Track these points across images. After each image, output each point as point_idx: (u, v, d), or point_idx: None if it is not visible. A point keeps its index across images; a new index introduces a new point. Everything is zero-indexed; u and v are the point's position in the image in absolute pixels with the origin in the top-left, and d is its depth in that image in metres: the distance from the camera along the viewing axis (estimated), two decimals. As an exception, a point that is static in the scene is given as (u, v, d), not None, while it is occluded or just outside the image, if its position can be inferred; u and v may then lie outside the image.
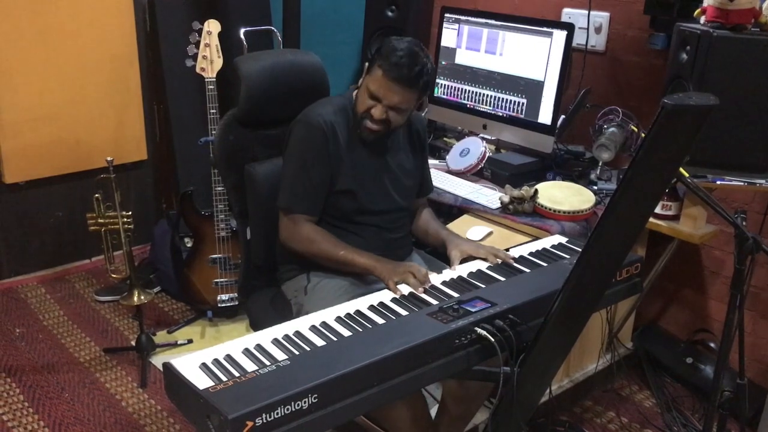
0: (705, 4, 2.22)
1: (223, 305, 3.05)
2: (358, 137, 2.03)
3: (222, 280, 3.02)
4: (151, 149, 3.67)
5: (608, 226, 1.41)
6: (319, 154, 1.98)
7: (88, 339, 3.01)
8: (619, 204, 1.38)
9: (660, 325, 2.98)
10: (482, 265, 1.93)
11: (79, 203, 3.41)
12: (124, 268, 2.83)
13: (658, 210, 2.38)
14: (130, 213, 2.75)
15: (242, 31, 3.10)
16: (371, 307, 1.71)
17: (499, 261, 1.94)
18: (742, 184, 2.25)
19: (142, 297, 2.75)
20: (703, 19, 2.23)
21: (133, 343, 2.89)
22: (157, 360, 2.85)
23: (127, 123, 3.53)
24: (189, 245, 3.17)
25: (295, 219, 2.01)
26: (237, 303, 3.05)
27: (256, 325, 2.14)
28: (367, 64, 2.01)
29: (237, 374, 1.41)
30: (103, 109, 3.43)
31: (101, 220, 2.74)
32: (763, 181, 2.26)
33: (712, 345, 2.77)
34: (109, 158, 2.66)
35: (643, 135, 2.24)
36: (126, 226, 2.73)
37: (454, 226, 2.45)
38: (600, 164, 2.65)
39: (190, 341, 2.99)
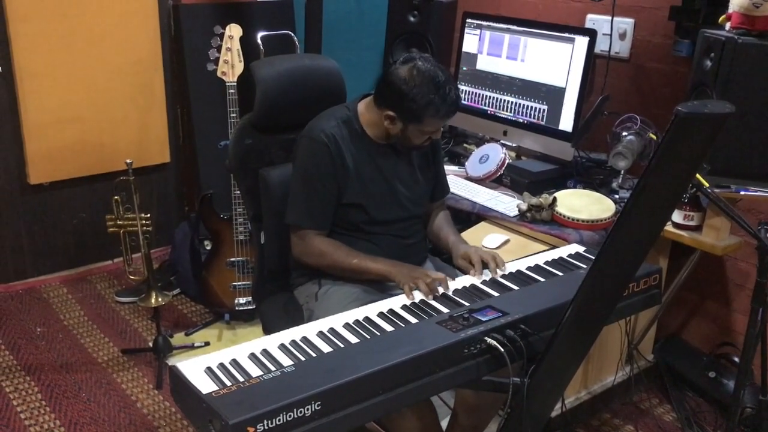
0: (730, 10, 2.17)
1: (241, 308, 3.06)
2: (363, 149, 2.01)
3: (240, 283, 3.03)
4: (175, 152, 3.70)
5: (621, 235, 1.38)
6: (323, 169, 1.97)
7: (106, 339, 3.03)
8: (632, 213, 1.34)
9: (682, 338, 2.92)
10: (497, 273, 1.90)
11: (102, 205, 3.44)
12: (142, 270, 2.85)
13: (680, 220, 2.33)
14: (149, 215, 2.77)
15: (259, 35, 3.10)
16: (380, 314, 1.69)
17: (481, 276, 1.87)
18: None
19: (160, 299, 2.76)
20: (728, 26, 2.18)
21: (151, 344, 2.91)
22: (174, 362, 2.85)
23: (150, 126, 3.56)
24: (208, 248, 3.18)
25: (304, 235, 2.01)
26: (254, 306, 3.05)
27: (269, 330, 2.13)
28: (393, 113, 1.94)
29: (241, 379, 1.41)
30: (128, 112, 3.47)
31: (120, 222, 2.77)
32: (789, 192, 2.20)
33: (736, 359, 2.70)
34: (128, 160, 2.68)
35: (662, 143, 2.19)
36: (144, 228, 2.75)
37: (471, 233, 2.42)
38: (622, 173, 2.60)
39: (207, 344, 3.00)
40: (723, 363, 2.73)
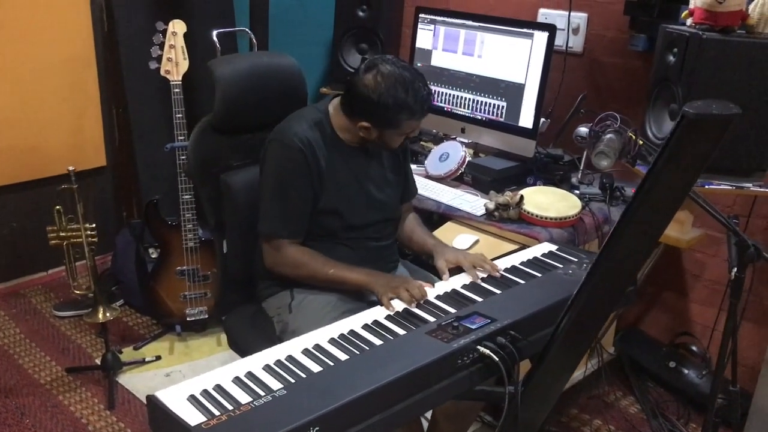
0: (692, 5, 2.18)
1: (193, 319, 2.91)
2: (336, 152, 1.93)
3: (191, 292, 2.89)
4: (111, 155, 3.50)
5: (621, 240, 1.34)
6: (298, 175, 1.87)
7: (48, 358, 2.83)
8: (635, 217, 1.31)
9: (641, 329, 2.95)
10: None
11: (35, 213, 3.23)
12: (87, 283, 2.67)
13: (644, 215, 2.34)
14: (94, 225, 2.58)
15: (215, 33, 2.97)
16: (366, 327, 1.61)
17: (481, 275, 1.82)
18: (731, 188, 2.23)
19: (108, 314, 2.59)
20: (689, 21, 2.20)
21: (98, 361, 2.73)
22: (125, 379, 2.70)
23: (84, 128, 3.36)
24: (154, 256, 3.02)
25: (278, 245, 1.90)
26: (207, 316, 2.92)
27: (237, 345, 2.03)
28: (367, 122, 1.86)
29: (230, 407, 1.30)
30: (60, 113, 3.25)
31: (63, 234, 2.57)
32: (750, 185, 2.24)
33: (694, 348, 2.75)
34: (70, 167, 2.49)
35: (640, 142, 2.19)
36: (90, 239, 2.57)
37: (440, 234, 2.36)
38: (581, 168, 2.60)
39: (158, 358, 2.85)
40: (682, 353, 2.78)
